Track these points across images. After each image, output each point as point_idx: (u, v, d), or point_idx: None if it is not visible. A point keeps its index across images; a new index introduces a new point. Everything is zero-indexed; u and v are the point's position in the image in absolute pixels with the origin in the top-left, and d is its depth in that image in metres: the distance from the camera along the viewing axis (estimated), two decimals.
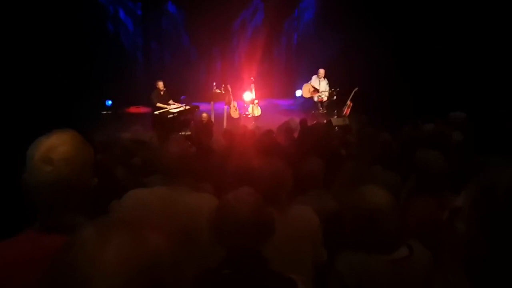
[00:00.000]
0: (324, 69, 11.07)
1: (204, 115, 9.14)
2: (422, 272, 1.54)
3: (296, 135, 6.55)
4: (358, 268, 1.57)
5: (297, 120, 9.68)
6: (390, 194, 1.65)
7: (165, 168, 2.06)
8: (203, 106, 10.53)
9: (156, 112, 9.31)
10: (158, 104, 9.43)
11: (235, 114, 10.69)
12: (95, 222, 0.76)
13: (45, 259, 1.14)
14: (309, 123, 7.69)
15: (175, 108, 9.48)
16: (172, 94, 9.94)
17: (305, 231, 2.04)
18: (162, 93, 9.58)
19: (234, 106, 10.68)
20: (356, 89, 10.56)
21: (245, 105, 11.01)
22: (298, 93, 12.53)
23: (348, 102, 10.77)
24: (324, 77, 11.05)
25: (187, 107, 9.68)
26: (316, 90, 11.05)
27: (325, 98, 11.03)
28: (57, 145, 1.18)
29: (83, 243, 0.71)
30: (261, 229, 1.50)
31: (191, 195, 2.01)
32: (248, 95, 10.99)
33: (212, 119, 10.15)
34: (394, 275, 1.52)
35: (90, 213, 1.30)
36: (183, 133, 8.96)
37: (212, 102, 10.32)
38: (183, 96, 10.44)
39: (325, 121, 9.47)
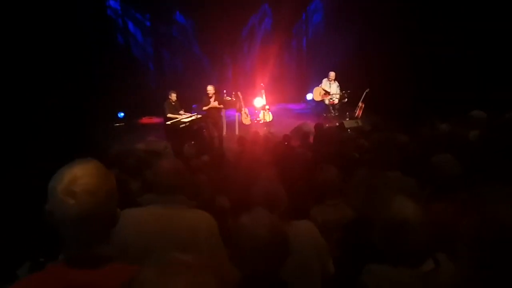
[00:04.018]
0: (334, 71, 11.02)
1: (209, 87, 9.32)
2: (450, 286, 1.49)
3: (311, 139, 6.49)
4: (385, 281, 1.52)
5: (309, 124, 9.65)
6: (418, 206, 1.60)
7: (159, 186, 1.99)
8: None
9: (169, 123, 9.35)
10: (169, 115, 9.46)
11: (246, 120, 10.68)
12: (153, 265, 0.74)
13: None
14: (324, 127, 7.62)
15: (186, 118, 9.52)
16: (184, 104, 9.97)
17: (308, 246, 1.99)
18: (173, 103, 9.61)
19: (245, 112, 10.68)
20: (367, 90, 10.49)
21: (256, 111, 11.00)
22: (309, 96, 12.48)
23: (360, 104, 10.69)
24: (335, 80, 11.01)
25: (199, 116, 9.70)
26: (327, 93, 11.00)
27: (336, 101, 10.98)
28: (79, 177, 1.15)
29: (144, 283, 0.70)
30: (278, 250, 1.46)
31: (186, 212, 1.96)
32: (259, 101, 10.98)
33: (224, 127, 10.17)
34: None
35: None
36: (194, 142, 8.98)
37: (223, 110, 10.32)
38: (194, 105, 10.49)
39: (337, 124, 9.40)
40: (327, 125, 9.10)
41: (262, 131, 9.70)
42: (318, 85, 11.24)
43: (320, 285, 2.01)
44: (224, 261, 1.89)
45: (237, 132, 9.96)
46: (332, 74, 10.98)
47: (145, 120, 12.22)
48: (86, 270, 1.16)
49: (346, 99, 10.87)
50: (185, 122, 9.39)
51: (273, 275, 1.45)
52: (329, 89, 10.97)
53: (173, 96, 9.58)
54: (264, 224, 1.47)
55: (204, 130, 9.65)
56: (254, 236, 1.44)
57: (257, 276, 1.44)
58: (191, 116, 9.60)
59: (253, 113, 10.99)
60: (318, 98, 11.26)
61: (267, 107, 10.75)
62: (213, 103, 9.39)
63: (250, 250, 1.43)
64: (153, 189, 2.02)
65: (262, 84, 11.26)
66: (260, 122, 10.73)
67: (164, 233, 1.81)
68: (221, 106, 9.57)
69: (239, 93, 10.48)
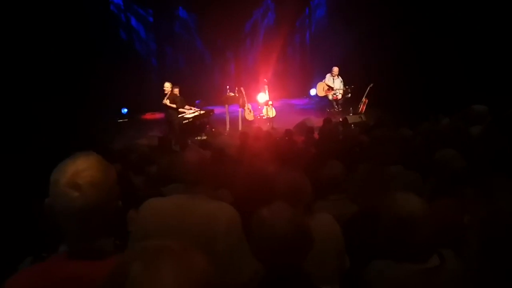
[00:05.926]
0: (338, 66, 10.98)
1: (166, 84, 9.13)
2: (454, 282, 1.48)
3: (316, 135, 6.48)
4: (389, 277, 1.50)
5: (313, 119, 9.63)
6: (423, 201, 1.58)
7: (183, 176, 2.01)
8: (217, 110, 10.55)
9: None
10: None
11: (249, 116, 10.66)
12: (139, 252, 0.75)
13: (75, 285, 1.13)
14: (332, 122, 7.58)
15: (190, 113, 9.51)
16: (187, 99, 9.96)
17: (328, 240, 1.98)
18: (177, 99, 9.60)
19: (248, 108, 10.65)
20: (371, 85, 10.44)
21: (260, 106, 10.98)
22: (313, 92, 12.44)
23: (364, 99, 10.65)
24: (338, 75, 10.97)
25: (202, 111, 9.70)
26: (330, 88, 10.97)
27: (340, 96, 10.94)
28: (82, 170, 1.16)
29: (133, 279, 0.70)
30: (300, 243, 1.44)
31: (208, 203, 1.93)
32: (262, 97, 10.95)
33: (227, 123, 10.16)
34: (426, 285, 1.46)
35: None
36: (198, 138, 8.99)
37: (226, 106, 10.32)
38: (197, 101, 10.48)
39: (340, 119, 9.37)
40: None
41: (265, 127, 9.69)
42: (321, 80, 11.20)
43: (337, 279, 2.00)
44: (244, 255, 1.84)
45: (240, 128, 9.95)
46: (335, 69, 10.93)
47: (148, 115, 12.25)
48: (87, 262, 1.16)
49: (349, 94, 10.84)
50: (188, 118, 9.39)
51: (296, 268, 1.44)
52: (333, 84, 10.93)
53: (176, 91, 9.56)
54: (284, 217, 1.44)
55: (207, 126, 9.65)
56: (276, 230, 1.42)
57: (279, 269, 1.43)
58: (195, 112, 9.60)
59: (256, 108, 10.97)
60: (321, 93, 11.22)
61: (270, 102, 10.72)
62: (165, 101, 9.10)
63: (272, 244, 1.41)
64: (178, 179, 2.01)
65: (265, 79, 11.23)
66: (264, 117, 10.71)
67: (182, 223, 1.81)
68: (173, 105, 9.19)
69: (242, 88, 10.45)
